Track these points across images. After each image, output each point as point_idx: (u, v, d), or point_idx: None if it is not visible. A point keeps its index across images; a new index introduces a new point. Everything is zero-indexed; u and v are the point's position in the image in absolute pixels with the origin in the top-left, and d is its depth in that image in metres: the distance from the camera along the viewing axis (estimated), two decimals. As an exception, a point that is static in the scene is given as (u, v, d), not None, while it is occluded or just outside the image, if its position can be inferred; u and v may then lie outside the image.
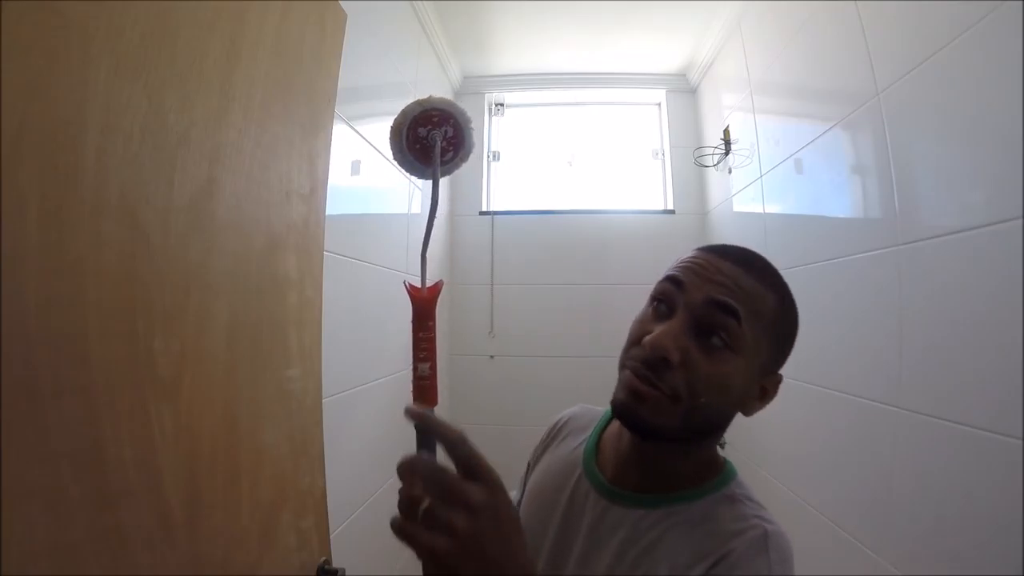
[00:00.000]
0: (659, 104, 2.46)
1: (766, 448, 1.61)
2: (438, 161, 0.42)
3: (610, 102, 2.49)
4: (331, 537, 0.93)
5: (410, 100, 0.42)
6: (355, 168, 1.27)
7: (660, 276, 0.53)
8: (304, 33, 0.86)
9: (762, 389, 0.52)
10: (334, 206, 0.98)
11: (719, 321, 0.47)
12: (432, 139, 0.42)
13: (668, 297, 0.50)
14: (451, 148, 0.43)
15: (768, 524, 0.48)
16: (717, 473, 0.53)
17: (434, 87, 2.04)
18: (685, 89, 2.34)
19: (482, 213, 2.34)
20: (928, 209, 0.93)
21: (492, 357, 2.24)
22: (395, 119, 0.43)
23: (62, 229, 0.45)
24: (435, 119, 0.42)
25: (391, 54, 1.52)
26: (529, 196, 2.43)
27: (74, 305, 0.46)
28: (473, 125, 0.44)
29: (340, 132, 1.11)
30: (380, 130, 1.33)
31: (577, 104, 2.50)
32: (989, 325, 0.78)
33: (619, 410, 0.50)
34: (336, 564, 0.90)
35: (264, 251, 0.76)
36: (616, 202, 2.37)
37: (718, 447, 0.56)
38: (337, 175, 1.00)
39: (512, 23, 1.98)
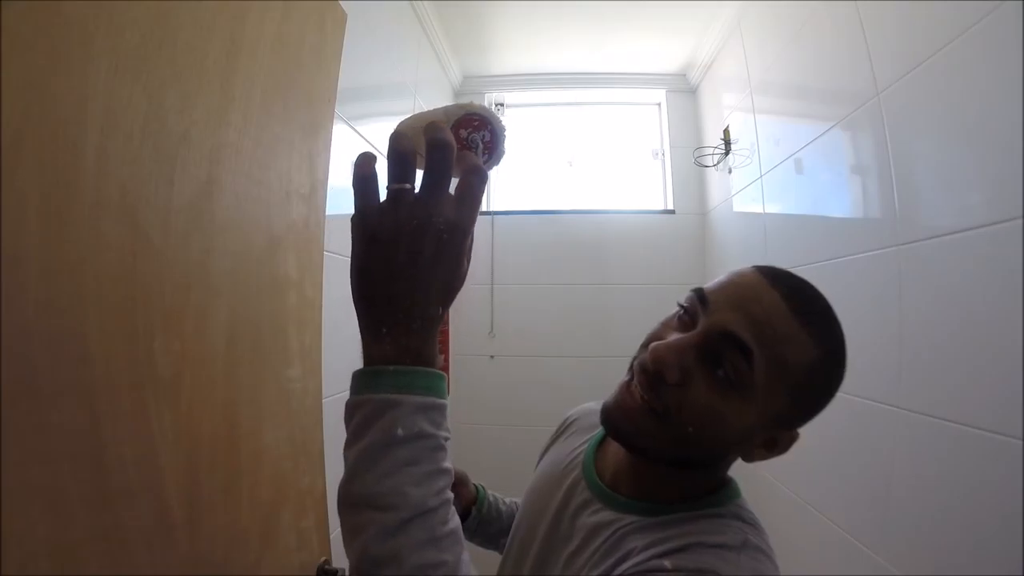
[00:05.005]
0: (659, 104, 2.46)
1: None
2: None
3: (610, 102, 2.49)
4: (331, 537, 0.93)
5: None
6: (355, 168, 1.27)
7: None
8: (304, 33, 0.86)
9: (770, 439, 0.47)
10: (334, 206, 0.98)
11: (728, 355, 0.43)
12: (473, 141, 0.44)
13: (692, 309, 0.47)
14: (486, 153, 0.46)
15: (753, 538, 0.44)
16: (717, 492, 0.50)
17: (434, 87, 2.04)
18: (685, 89, 2.34)
19: (482, 213, 2.34)
20: (928, 209, 0.93)
21: (492, 357, 2.23)
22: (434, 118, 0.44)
23: (62, 229, 0.45)
24: (475, 123, 0.44)
25: (391, 54, 1.52)
26: (529, 196, 2.42)
27: (74, 305, 0.46)
28: (507, 133, 0.45)
29: (340, 132, 1.11)
30: (380, 130, 1.33)
31: (577, 104, 2.50)
32: (989, 325, 0.78)
33: (603, 417, 0.49)
34: (336, 564, 0.90)
35: (264, 251, 0.76)
36: (616, 202, 2.36)
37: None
38: (337, 175, 1.00)
39: (512, 23, 1.98)
